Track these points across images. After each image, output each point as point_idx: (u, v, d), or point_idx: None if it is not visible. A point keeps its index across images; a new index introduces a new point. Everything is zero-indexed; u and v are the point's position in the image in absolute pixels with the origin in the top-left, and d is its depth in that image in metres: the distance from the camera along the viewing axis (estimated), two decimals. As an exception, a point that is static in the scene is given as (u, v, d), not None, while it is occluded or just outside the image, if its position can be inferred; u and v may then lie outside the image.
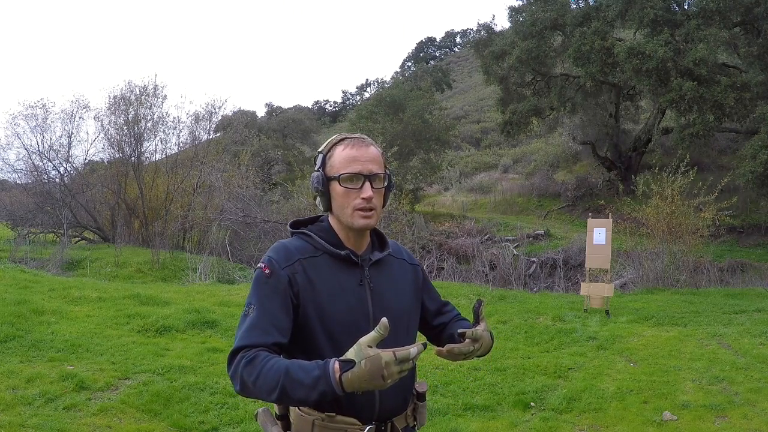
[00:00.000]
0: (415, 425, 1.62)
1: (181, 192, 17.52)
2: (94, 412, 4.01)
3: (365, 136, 1.59)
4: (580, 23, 19.22)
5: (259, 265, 1.52)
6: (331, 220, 1.60)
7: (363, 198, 1.51)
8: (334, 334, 1.47)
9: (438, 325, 1.75)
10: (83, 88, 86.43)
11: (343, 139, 1.57)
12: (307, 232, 1.58)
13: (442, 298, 1.80)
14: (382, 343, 1.31)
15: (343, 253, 1.54)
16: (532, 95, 22.95)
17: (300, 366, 1.32)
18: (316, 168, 1.58)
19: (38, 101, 20.99)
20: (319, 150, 1.59)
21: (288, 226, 1.64)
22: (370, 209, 1.52)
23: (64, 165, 18.12)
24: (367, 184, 1.51)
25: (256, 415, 1.59)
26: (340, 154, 1.53)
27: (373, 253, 1.61)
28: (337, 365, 1.28)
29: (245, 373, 1.35)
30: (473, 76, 55.42)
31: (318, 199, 1.58)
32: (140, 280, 11.51)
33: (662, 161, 13.62)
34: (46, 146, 17.50)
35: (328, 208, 1.57)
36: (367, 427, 1.48)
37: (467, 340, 1.52)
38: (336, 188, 1.53)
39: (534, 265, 15.30)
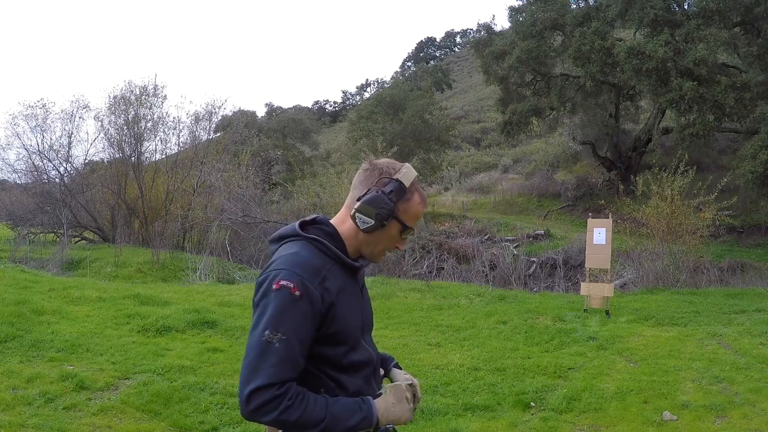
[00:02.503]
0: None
1: (181, 192, 17.51)
2: (94, 412, 4.01)
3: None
4: (580, 23, 19.24)
5: (284, 282, 1.36)
6: (342, 227, 1.52)
7: (398, 247, 1.56)
8: (342, 341, 1.49)
9: None
10: (83, 88, 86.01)
11: (417, 183, 1.52)
12: (320, 239, 1.49)
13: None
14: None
15: (357, 264, 1.54)
16: (532, 95, 22.97)
17: (342, 407, 1.41)
18: (387, 192, 1.45)
19: (38, 101, 21.06)
20: (400, 178, 1.47)
21: (296, 227, 1.52)
22: None
23: (64, 165, 18.11)
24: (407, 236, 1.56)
25: None
26: (417, 205, 1.51)
27: (357, 260, 1.59)
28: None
29: (285, 414, 1.33)
30: (473, 76, 55.42)
31: (361, 217, 1.46)
32: (140, 280, 11.50)
33: (662, 161, 13.61)
34: (46, 146, 17.49)
35: (367, 232, 1.48)
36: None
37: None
38: (392, 230, 1.50)
39: (534, 265, 15.28)
